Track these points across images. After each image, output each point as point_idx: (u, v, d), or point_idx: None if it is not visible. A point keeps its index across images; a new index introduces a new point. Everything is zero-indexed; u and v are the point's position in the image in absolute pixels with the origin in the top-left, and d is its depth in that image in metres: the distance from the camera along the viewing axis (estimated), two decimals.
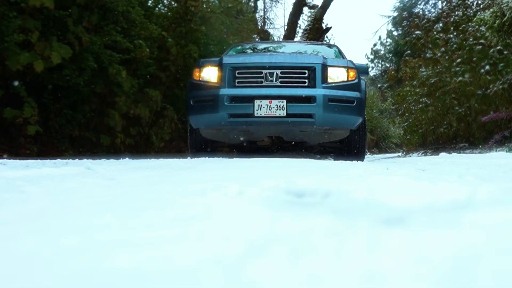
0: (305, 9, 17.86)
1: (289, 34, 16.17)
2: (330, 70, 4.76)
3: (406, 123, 14.26)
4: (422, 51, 12.88)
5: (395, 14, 28.14)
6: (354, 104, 4.74)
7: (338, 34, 69.46)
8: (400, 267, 0.52)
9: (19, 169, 2.11)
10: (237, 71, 4.75)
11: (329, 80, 4.73)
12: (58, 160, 3.07)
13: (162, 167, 2.53)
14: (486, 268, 0.51)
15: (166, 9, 8.83)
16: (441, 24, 13.42)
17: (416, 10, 24.84)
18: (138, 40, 6.56)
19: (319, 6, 16.35)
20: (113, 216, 0.82)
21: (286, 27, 18.45)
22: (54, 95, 5.81)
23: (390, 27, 29.87)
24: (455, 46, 11.01)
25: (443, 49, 11.55)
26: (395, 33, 29.78)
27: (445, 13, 14.52)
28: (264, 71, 4.71)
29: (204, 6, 8.63)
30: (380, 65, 32.21)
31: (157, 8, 8.46)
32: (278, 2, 29.22)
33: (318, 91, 4.61)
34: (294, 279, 0.49)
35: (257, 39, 14.72)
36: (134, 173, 2.02)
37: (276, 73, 4.69)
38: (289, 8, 20.85)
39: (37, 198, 1.13)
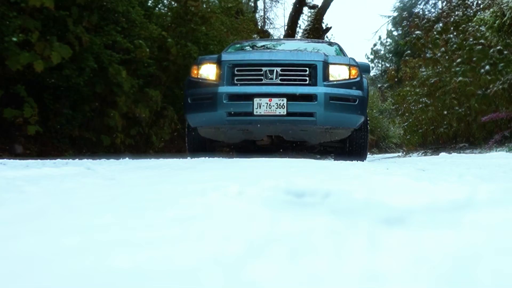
0: (305, 9, 17.88)
1: (289, 34, 16.18)
2: (331, 68, 4.65)
3: (406, 123, 14.26)
4: (422, 51, 12.89)
5: (395, 14, 28.17)
6: (356, 102, 4.65)
7: (338, 34, 69.45)
8: (400, 267, 0.52)
9: (19, 169, 2.10)
10: (236, 69, 4.64)
11: (331, 78, 4.62)
12: (58, 160, 3.07)
13: (162, 167, 2.53)
14: (486, 268, 0.51)
15: (166, 9, 8.83)
16: (441, 24, 13.42)
17: (416, 10, 24.85)
18: (138, 40, 6.56)
19: (319, 6, 16.36)
20: (113, 216, 0.82)
21: (286, 27, 18.46)
22: (54, 95, 5.81)
23: (390, 27, 29.93)
24: (455, 46, 11.02)
25: (443, 49, 11.56)
26: (395, 33, 29.81)
27: (445, 13, 14.52)
28: (264, 69, 4.60)
29: (204, 6, 8.62)
30: (380, 65, 32.24)
31: (157, 8, 8.46)
32: (278, 2, 29.24)
33: (319, 89, 4.51)
34: (294, 279, 0.49)
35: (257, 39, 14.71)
36: (134, 173, 2.02)
37: (276, 71, 4.58)
38: (289, 8, 20.88)
39: (37, 198, 1.13)
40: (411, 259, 0.55)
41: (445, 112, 11.15)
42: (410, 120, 13.64)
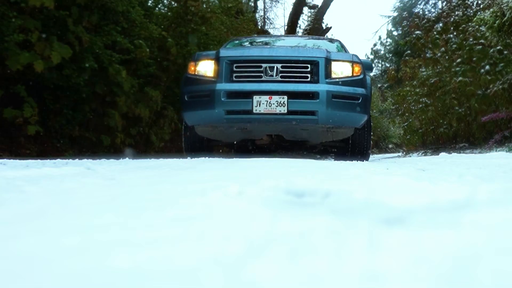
0: (305, 9, 17.88)
1: (289, 34, 16.18)
2: (334, 65, 4.47)
3: (406, 123, 14.27)
4: (422, 51, 12.88)
5: (395, 14, 28.15)
6: (360, 101, 4.49)
7: (338, 34, 69.44)
8: (400, 267, 0.52)
9: (19, 169, 2.10)
10: (234, 65, 4.45)
11: (333, 75, 4.44)
12: (58, 160, 3.07)
13: (162, 167, 2.53)
14: (486, 268, 0.51)
15: (166, 9, 8.83)
16: (441, 24, 13.42)
17: (416, 10, 24.82)
18: (138, 40, 6.57)
19: (319, 6, 16.37)
20: (113, 216, 0.82)
21: (286, 27, 18.47)
22: (54, 95, 5.81)
23: (390, 27, 29.91)
24: (455, 46, 11.02)
25: (443, 49, 11.56)
26: (395, 33, 29.80)
27: (445, 13, 14.51)
28: (264, 65, 4.41)
29: (204, 6, 8.63)
30: (380, 65, 32.22)
31: (157, 8, 8.47)
32: (278, 2, 29.23)
33: (321, 87, 4.34)
34: (294, 279, 0.49)
35: None
36: (134, 173, 2.02)
37: (277, 67, 4.40)
38: (289, 8, 20.89)
39: (37, 198, 1.13)
40: (411, 259, 0.55)
41: (446, 112, 11.16)
42: (410, 120, 13.64)
